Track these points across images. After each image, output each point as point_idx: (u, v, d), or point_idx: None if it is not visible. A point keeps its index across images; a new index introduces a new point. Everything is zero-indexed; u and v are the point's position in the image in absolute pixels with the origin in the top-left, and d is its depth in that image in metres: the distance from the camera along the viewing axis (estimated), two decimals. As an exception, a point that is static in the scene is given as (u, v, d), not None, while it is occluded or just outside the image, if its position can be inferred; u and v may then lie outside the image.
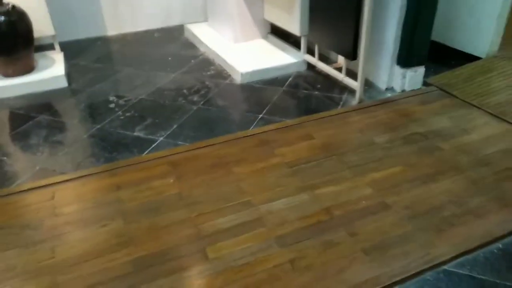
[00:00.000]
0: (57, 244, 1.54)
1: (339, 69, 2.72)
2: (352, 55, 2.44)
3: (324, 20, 2.59)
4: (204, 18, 3.84)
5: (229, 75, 2.94)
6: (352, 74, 2.63)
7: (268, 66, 2.88)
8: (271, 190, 1.79)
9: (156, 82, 2.88)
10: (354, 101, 2.52)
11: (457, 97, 2.51)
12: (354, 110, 2.42)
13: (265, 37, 3.37)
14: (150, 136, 2.24)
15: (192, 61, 3.21)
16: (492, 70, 2.79)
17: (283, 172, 1.91)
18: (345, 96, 2.60)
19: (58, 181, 1.87)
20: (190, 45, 3.54)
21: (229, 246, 1.51)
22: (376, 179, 1.85)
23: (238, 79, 2.84)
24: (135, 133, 2.27)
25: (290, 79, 2.86)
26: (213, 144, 2.12)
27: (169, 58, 3.28)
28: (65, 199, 1.77)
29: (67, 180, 1.87)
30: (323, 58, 2.89)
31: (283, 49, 3.14)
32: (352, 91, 2.59)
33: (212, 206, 1.70)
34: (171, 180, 1.86)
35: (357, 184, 1.82)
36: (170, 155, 2.04)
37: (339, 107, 2.49)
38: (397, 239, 1.53)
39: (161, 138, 2.22)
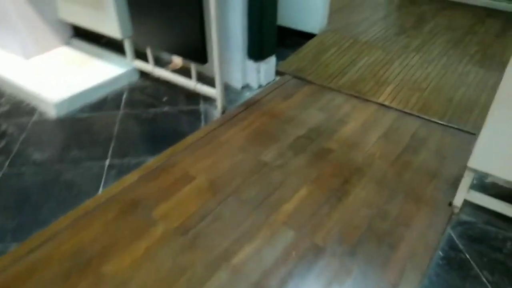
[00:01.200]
0: None
1: (180, 72, 2.22)
2: (202, 58, 1.96)
3: (153, 16, 2.01)
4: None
5: (34, 109, 2.07)
6: (199, 76, 2.17)
7: (90, 85, 2.13)
8: (175, 283, 1.25)
9: None
10: (216, 112, 2.09)
11: (313, 83, 2.36)
12: (222, 125, 2.00)
13: (68, 43, 2.52)
14: None
15: (-38, 94, 2.16)
16: (330, 46, 2.76)
17: (177, 245, 1.37)
18: (202, 106, 2.14)
19: None
20: (-50, 69, 2.39)
21: None
22: (290, 213, 1.51)
23: (51, 112, 2.02)
24: None
25: (125, 96, 2.20)
26: (55, 235, 1.38)
27: None
28: None
29: None
30: (156, 60, 2.31)
31: (100, 57, 2.40)
32: (207, 98, 2.15)
33: None
34: (5, 334, 1.10)
35: (274, 229, 1.44)
36: (-15, 282, 1.23)
37: (202, 122, 2.02)
38: (353, 293, 1.25)
39: (-45, 251, 1.33)
